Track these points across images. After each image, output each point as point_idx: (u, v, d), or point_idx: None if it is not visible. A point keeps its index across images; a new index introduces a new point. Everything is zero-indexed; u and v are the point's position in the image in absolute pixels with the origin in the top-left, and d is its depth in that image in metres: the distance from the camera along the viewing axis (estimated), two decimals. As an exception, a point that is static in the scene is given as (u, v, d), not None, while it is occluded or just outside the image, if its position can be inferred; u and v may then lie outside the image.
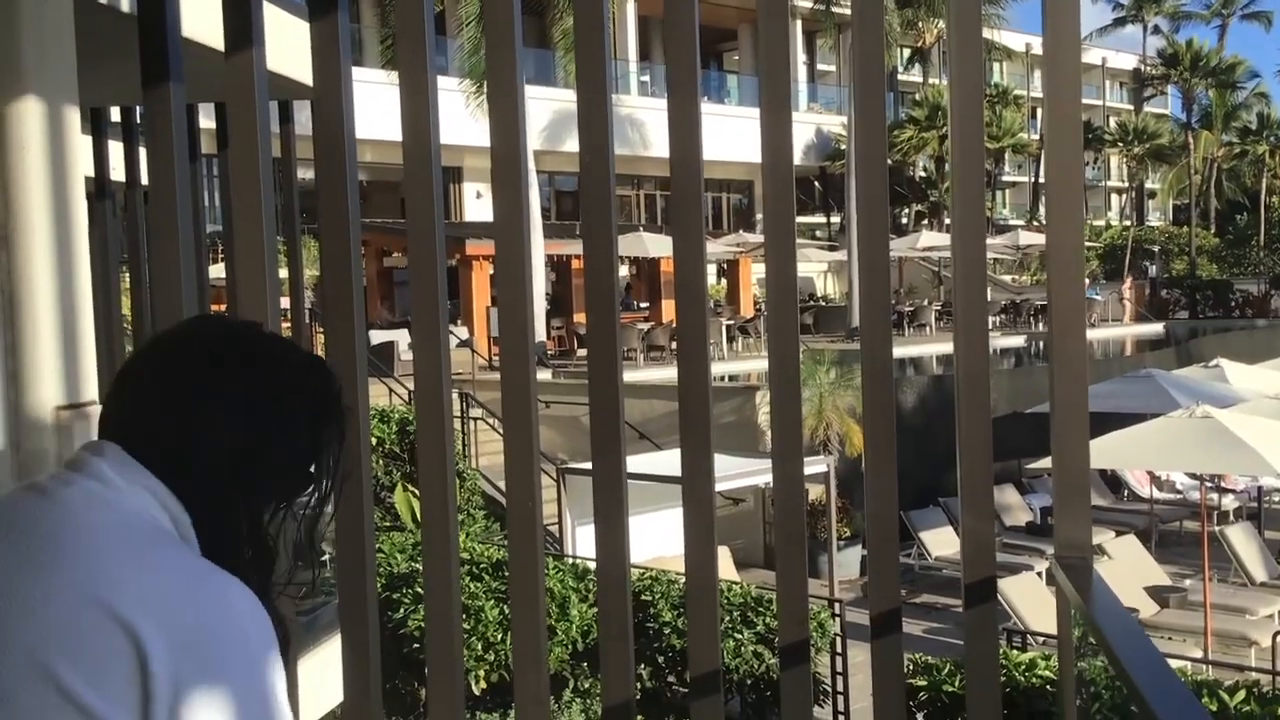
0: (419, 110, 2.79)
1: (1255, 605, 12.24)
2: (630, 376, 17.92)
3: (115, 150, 6.55)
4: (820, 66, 48.34)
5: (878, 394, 2.77)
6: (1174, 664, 9.38)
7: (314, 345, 13.65)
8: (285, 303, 7.38)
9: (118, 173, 6.64)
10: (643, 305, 29.80)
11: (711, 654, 2.83)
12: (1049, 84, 2.64)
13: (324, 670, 3.76)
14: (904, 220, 43.19)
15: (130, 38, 2.81)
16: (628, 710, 2.83)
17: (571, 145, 2.86)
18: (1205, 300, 39.73)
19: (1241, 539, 13.69)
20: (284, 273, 6.83)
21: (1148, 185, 59.26)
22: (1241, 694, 6.04)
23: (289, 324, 7.69)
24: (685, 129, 2.78)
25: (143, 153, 3.16)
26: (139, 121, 6.32)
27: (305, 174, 5.15)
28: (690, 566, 2.84)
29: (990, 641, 2.76)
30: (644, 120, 32.68)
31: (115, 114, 6.58)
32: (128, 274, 7.64)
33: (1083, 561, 2.62)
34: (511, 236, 2.82)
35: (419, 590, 8.28)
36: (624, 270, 30.45)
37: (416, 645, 8.14)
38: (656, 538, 10.28)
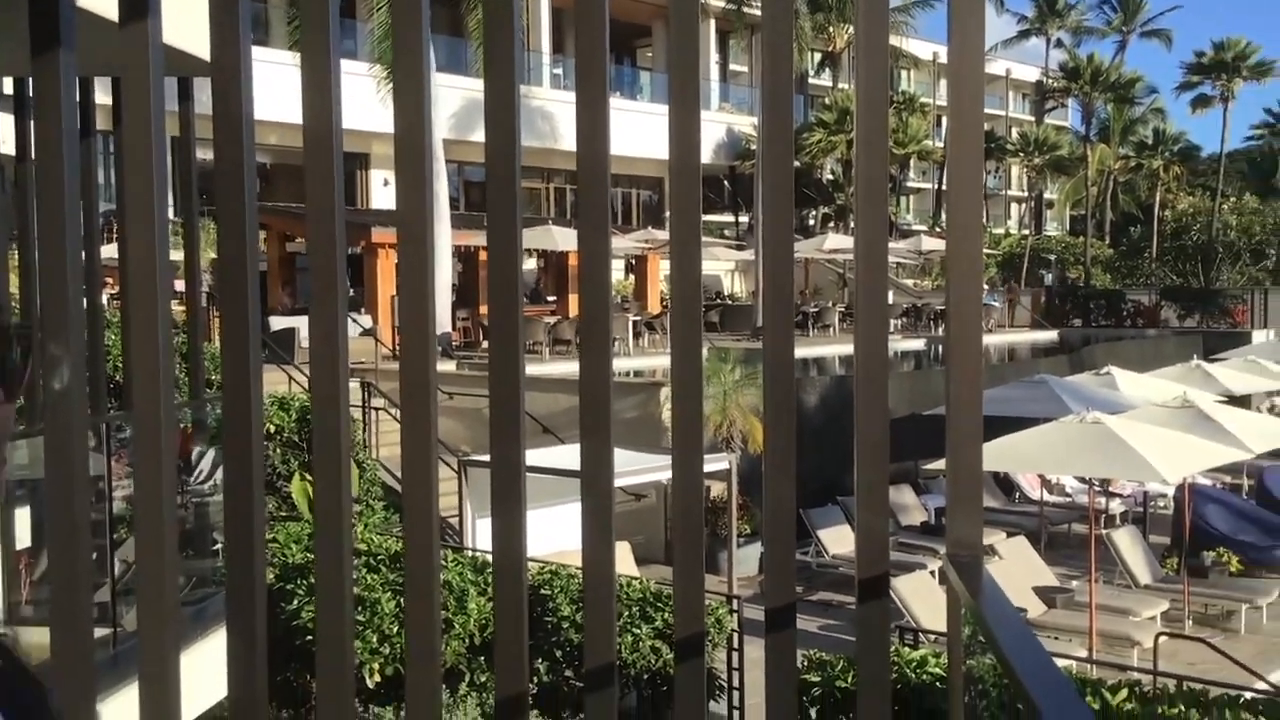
0: (320, 93, 2.74)
1: (1139, 607, 12.62)
2: (535, 370, 17.84)
3: (5, 123, 6.34)
4: (733, 66, 48.64)
5: (779, 393, 2.79)
6: (1059, 663, 9.61)
7: (211, 330, 13.35)
8: (180, 285, 7.23)
9: (8, 145, 6.43)
10: (550, 299, 29.69)
11: (607, 648, 2.82)
12: (953, 96, 2.68)
13: (209, 662, 3.68)
14: (811, 222, 43.65)
15: (23, 5, 2.71)
16: (521, 704, 2.81)
17: (483, 135, 2.81)
18: (1098, 309, 40.78)
19: (1127, 542, 14.11)
20: (180, 255, 6.68)
21: (1046, 195, 60.72)
22: (1124, 693, 6.20)
23: (183, 307, 7.51)
24: (593, 123, 2.77)
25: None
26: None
27: (206, 154, 5.03)
28: (588, 561, 2.84)
29: (882, 637, 2.80)
30: (555, 113, 32.56)
31: (8, 85, 6.36)
32: (17, 251, 7.39)
33: (973, 559, 2.66)
34: (414, 224, 2.78)
35: (314, 581, 8.15)
36: (532, 263, 30.30)
37: (310, 637, 8.01)
38: (561, 532, 10.25)
